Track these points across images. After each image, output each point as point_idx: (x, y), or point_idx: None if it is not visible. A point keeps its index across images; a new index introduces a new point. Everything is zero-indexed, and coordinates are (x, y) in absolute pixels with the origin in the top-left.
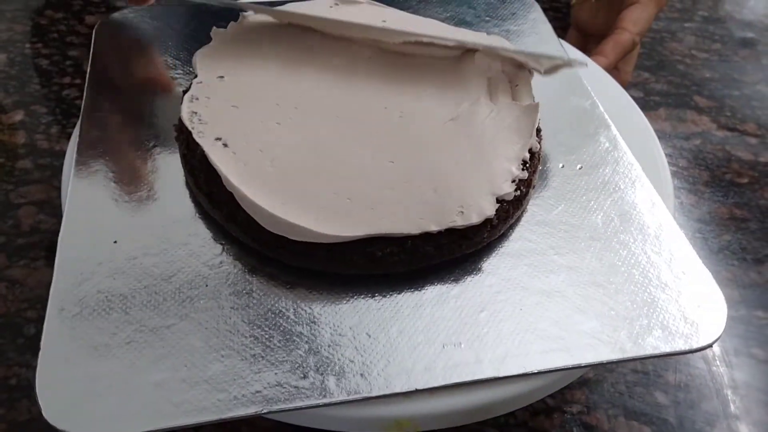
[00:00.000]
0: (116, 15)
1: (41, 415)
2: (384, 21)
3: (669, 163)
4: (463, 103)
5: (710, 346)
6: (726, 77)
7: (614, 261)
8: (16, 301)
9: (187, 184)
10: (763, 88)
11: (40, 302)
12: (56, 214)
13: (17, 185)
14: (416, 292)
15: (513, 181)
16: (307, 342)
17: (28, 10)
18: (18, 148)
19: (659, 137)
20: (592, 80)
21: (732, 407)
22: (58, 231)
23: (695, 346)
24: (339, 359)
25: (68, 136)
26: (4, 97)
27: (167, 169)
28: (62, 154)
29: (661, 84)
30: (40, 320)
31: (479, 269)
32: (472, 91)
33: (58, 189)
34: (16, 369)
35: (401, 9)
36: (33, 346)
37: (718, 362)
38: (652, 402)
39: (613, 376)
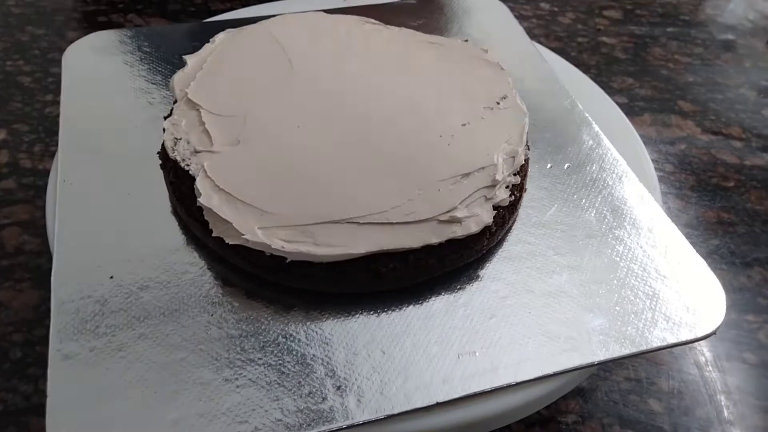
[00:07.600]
0: (85, 39)
1: None
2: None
3: (655, 168)
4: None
5: (714, 333)
6: (709, 81)
7: (613, 257)
8: (1, 324)
9: (175, 211)
10: (746, 92)
11: (26, 325)
12: (41, 234)
13: (0, 206)
14: (424, 304)
15: (507, 187)
16: (322, 364)
17: (9, 27)
18: (1, 168)
19: (645, 143)
20: (583, 96)
21: (726, 413)
22: (43, 252)
23: (700, 334)
24: (356, 379)
25: (51, 155)
26: None
27: (150, 196)
28: (46, 173)
29: (645, 89)
30: (26, 344)
31: (482, 276)
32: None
33: (43, 209)
34: (2, 395)
35: (376, 19)
36: (19, 370)
37: (710, 368)
38: (646, 410)
39: (607, 385)
